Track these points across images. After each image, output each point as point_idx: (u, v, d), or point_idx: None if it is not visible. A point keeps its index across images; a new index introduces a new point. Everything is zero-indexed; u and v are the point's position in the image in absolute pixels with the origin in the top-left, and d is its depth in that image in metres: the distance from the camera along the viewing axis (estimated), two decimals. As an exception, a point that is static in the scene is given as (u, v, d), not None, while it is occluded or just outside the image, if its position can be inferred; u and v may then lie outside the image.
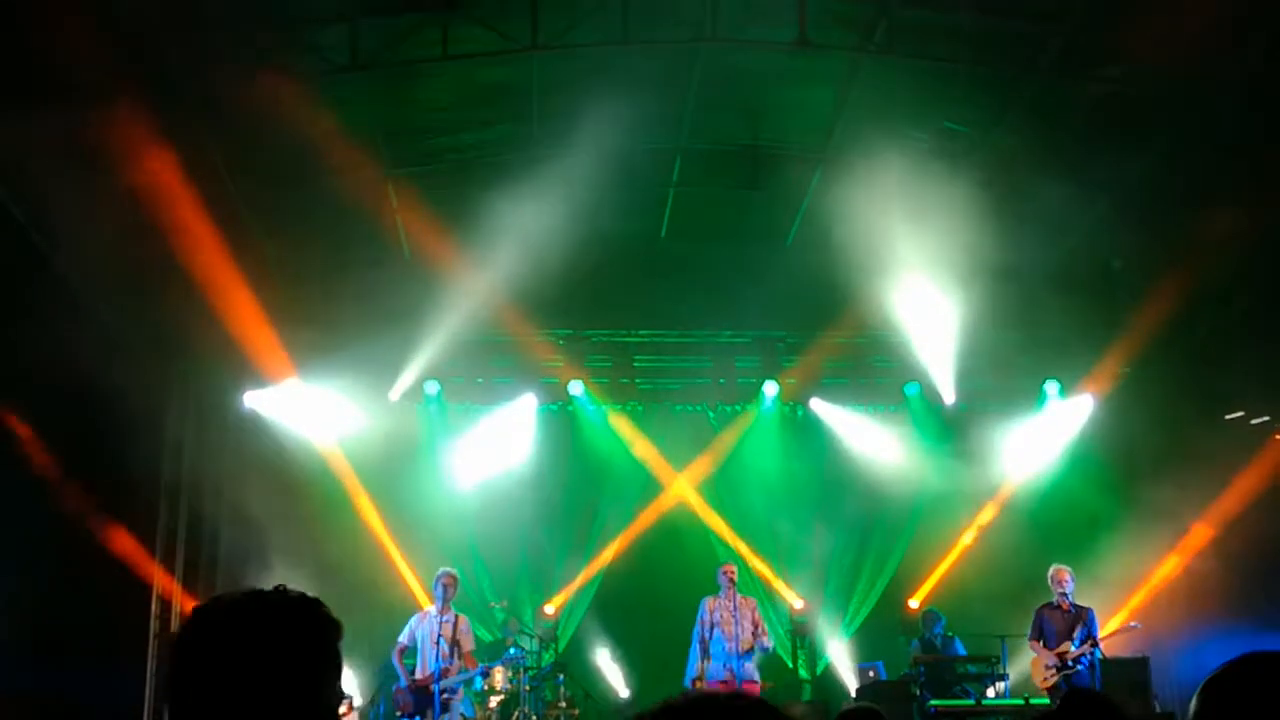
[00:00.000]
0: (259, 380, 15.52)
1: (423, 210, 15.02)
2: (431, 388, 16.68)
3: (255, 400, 15.86)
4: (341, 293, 15.33)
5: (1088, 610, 12.16)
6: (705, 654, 12.63)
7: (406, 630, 12.28)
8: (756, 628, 12.83)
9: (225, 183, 13.24)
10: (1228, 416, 15.41)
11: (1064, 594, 12.16)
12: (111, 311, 12.92)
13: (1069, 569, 12.33)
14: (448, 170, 15.24)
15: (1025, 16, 12.54)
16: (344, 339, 15.62)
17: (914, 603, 17.15)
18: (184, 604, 14.82)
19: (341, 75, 12.27)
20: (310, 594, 2.50)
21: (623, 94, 13.38)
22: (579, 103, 13.34)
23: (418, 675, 11.95)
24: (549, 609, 16.96)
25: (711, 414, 17.78)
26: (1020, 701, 12.92)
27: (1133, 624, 13.51)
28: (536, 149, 14.72)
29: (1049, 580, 12.28)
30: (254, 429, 15.85)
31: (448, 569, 12.35)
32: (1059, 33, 12.37)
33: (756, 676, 12.82)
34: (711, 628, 12.74)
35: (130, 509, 13.19)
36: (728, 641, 12.62)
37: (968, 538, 17.12)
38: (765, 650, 13.01)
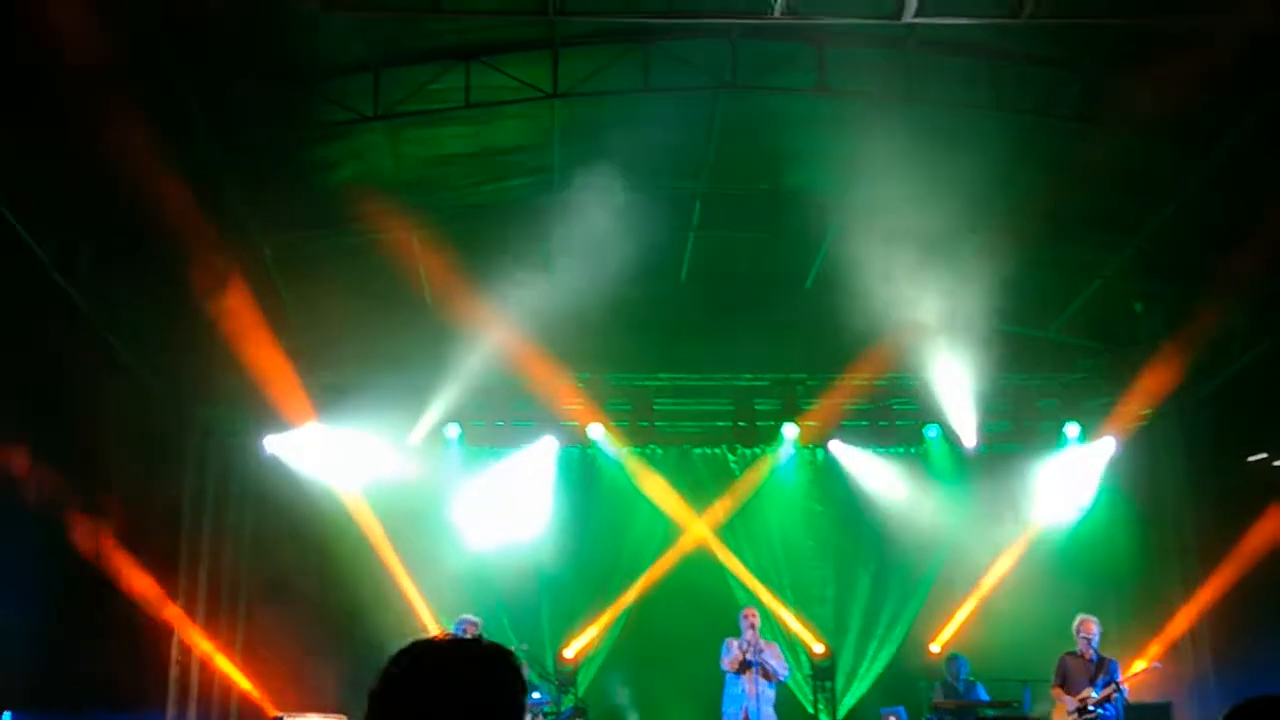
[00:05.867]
0: (280, 424, 15.60)
1: (444, 255, 15.11)
2: (452, 431, 16.72)
3: (276, 444, 15.93)
4: (363, 337, 15.42)
5: (1110, 661, 12.09)
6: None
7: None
8: (778, 662, 12.86)
9: (247, 229, 13.36)
10: (1250, 458, 15.33)
11: (1089, 644, 12.09)
12: (135, 356, 13.04)
13: (1095, 620, 12.25)
14: (469, 216, 15.34)
15: (1043, 62, 12.60)
16: (365, 383, 15.71)
17: (935, 647, 17.04)
18: (203, 649, 14.85)
19: (365, 124, 12.40)
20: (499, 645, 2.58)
21: (643, 139, 13.49)
22: (599, 149, 13.45)
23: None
24: (569, 652, 16.90)
25: (731, 457, 17.77)
26: (1043, 747, 12.83)
27: (1155, 664, 13.41)
28: (557, 194, 14.83)
29: (1074, 630, 12.21)
30: (275, 473, 15.91)
31: (470, 616, 12.33)
32: (1077, 78, 12.42)
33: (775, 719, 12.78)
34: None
35: (152, 553, 13.24)
36: (747, 684, 12.59)
37: (990, 581, 17.02)
38: (781, 678, 12.94)
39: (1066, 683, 12.11)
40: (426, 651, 2.50)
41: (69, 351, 11.32)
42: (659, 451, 17.48)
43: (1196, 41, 10.18)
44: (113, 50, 9.60)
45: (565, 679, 15.98)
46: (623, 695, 16.85)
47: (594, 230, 13.78)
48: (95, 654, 11.91)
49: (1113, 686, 11.82)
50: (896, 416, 17.50)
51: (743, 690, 12.64)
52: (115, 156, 10.28)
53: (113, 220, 11.42)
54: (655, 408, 17.35)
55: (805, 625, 17.25)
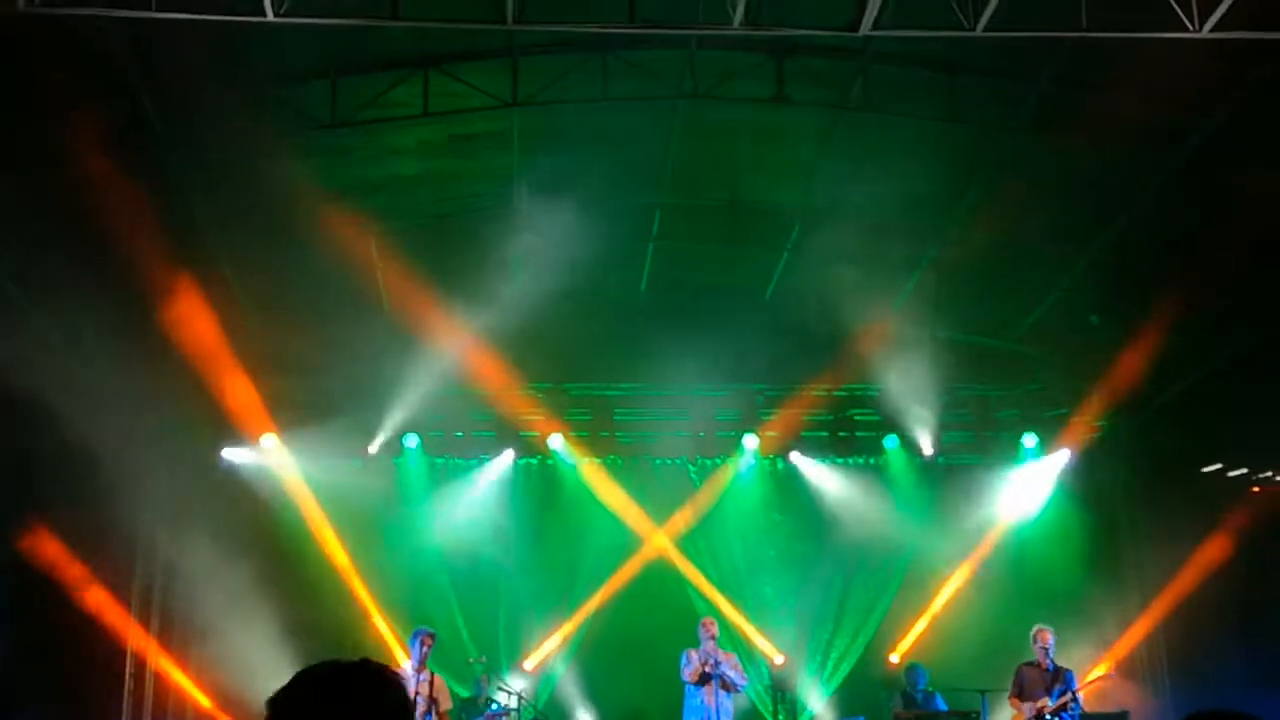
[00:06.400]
0: (237, 435, 15.46)
1: (403, 263, 15.04)
2: (411, 441, 16.62)
3: (233, 455, 15.79)
4: (320, 346, 15.31)
5: (1066, 671, 12.15)
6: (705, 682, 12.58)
7: (383, 688, 12.14)
8: (736, 672, 12.83)
9: (204, 237, 13.25)
10: (1205, 469, 15.47)
11: (1045, 653, 12.15)
12: (88, 366, 12.88)
13: (1051, 630, 12.31)
14: (428, 224, 15.28)
15: (999, 74, 12.69)
16: (323, 392, 15.59)
17: (895, 657, 17.09)
18: (158, 663, 14.68)
19: (322, 131, 12.33)
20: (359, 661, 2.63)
21: (602, 149, 13.48)
22: (559, 157, 13.43)
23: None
24: (528, 664, 16.83)
25: (691, 467, 17.75)
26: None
27: (1110, 674, 13.49)
28: (517, 203, 14.79)
29: (1031, 640, 12.26)
30: (232, 484, 15.76)
31: (427, 628, 12.22)
32: (1033, 90, 12.51)
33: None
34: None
35: (106, 568, 13.08)
36: (707, 696, 12.56)
37: (948, 592, 17.08)
38: (739, 688, 12.93)
39: (1023, 692, 12.17)
40: (311, 677, 2.56)
41: (22, 362, 11.16)
42: (619, 462, 17.45)
43: (1151, 53, 10.27)
44: (69, 58, 9.52)
45: (525, 690, 15.89)
46: (582, 705, 16.80)
47: (553, 240, 13.74)
48: (49, 671, 11.76)
49: (1069, 696, 11.88)
50: (856, 427, 17.57)
51: (703, 702, 12.61)
52: (69, 168, 10.18)
53: (68, 229, 11.28)
54: (615, 418, 17.34)
55: (765, 636, 17.26)
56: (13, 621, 11.20)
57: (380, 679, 2.58)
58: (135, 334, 13.05)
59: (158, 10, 8.86)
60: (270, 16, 8.99)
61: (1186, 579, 15.16)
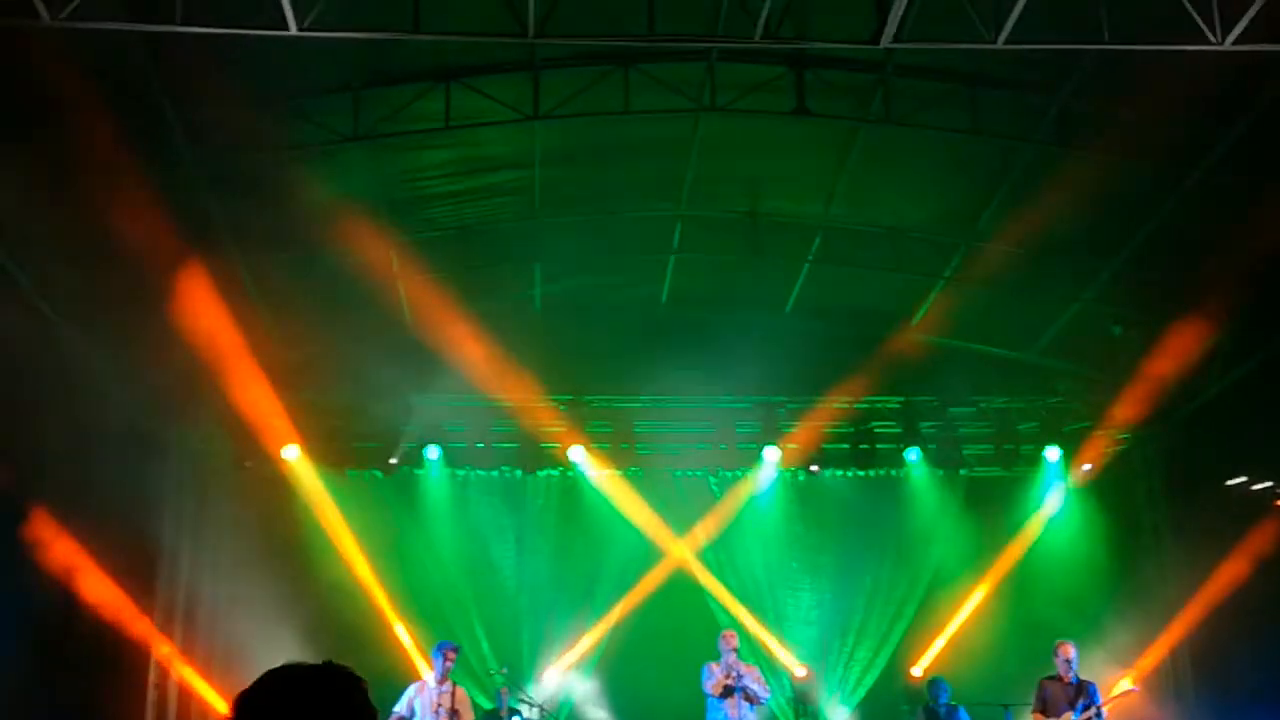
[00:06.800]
0: (259, 446, 15.52)
1: (424, 276, 15.10)
2: (432, 452, 16.66)
3: (255, 466, 15.84)
4: (342, 358, 15.38)
5: (1089, 684, 12.05)
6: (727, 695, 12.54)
7: (404, 700, 12.13)
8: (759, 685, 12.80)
9: (225, 250, 13.32)
10: (1229, 482, 15.37)
11: (1068, 667, 12.06)
12: (113, 379, 12.96)
13: (1074, 644, 12.20)
14: (450, 237, 15.33)
15: (1020, 86, 12.67)
16: (345, 404, 15.64)
17: (917, 670, 17.03)
18: (181, 672, 14.73)
19: (344, 145, 12.39)
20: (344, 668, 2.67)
21: (623, 161, 13.50)
22: (580, 170, 13.45)
23: (419, 746, 11.81)
24: (549, 675, 16.83)
25: (712, 479, 17.74)
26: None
27: (1132, 688, 13.39)
28: (537, 216, 14.83)
29: (1054, 653, 12.16)
30: (254, 495, 15.82)
31: (451, 642, 12.16)
32: (1054, 103, 12.48)
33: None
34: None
35: (129, 579, 13.13)
36: (730, 709, 12.52)
37: (971, 605, 17.02)
38: (763, 701, 12.88)
39: (1046, 707, 12.07)
40: (276, 676, 2.59)
41: (47, 377, 11.24)
42: (640, 474, 17.43)
43: (1173, 65, 10.24)
44: (92, 71, 9.59)
45: (546, 703, 15.89)
46: (602, 717, 16.78)
47: (575, 252, 13.79)
48: (72, 681, 11.81)
49: (1092, 710, 11.79)
50: (877, 440, 17.50)
51: (726, 714, 12.56)
52: (93, 178, 10.25)
53: (91, 242, 11.35)
54: (636, 430, 17.33)
55: (787, 648, 17.22)
56: (35, 632, 11.25)
57: (346, 682, 2.61)
58: (156, 345, 13.12)
59: (181, 24, 8.92)
60: (293, 30, 9.04)
61: (1210, 593, 15.04)
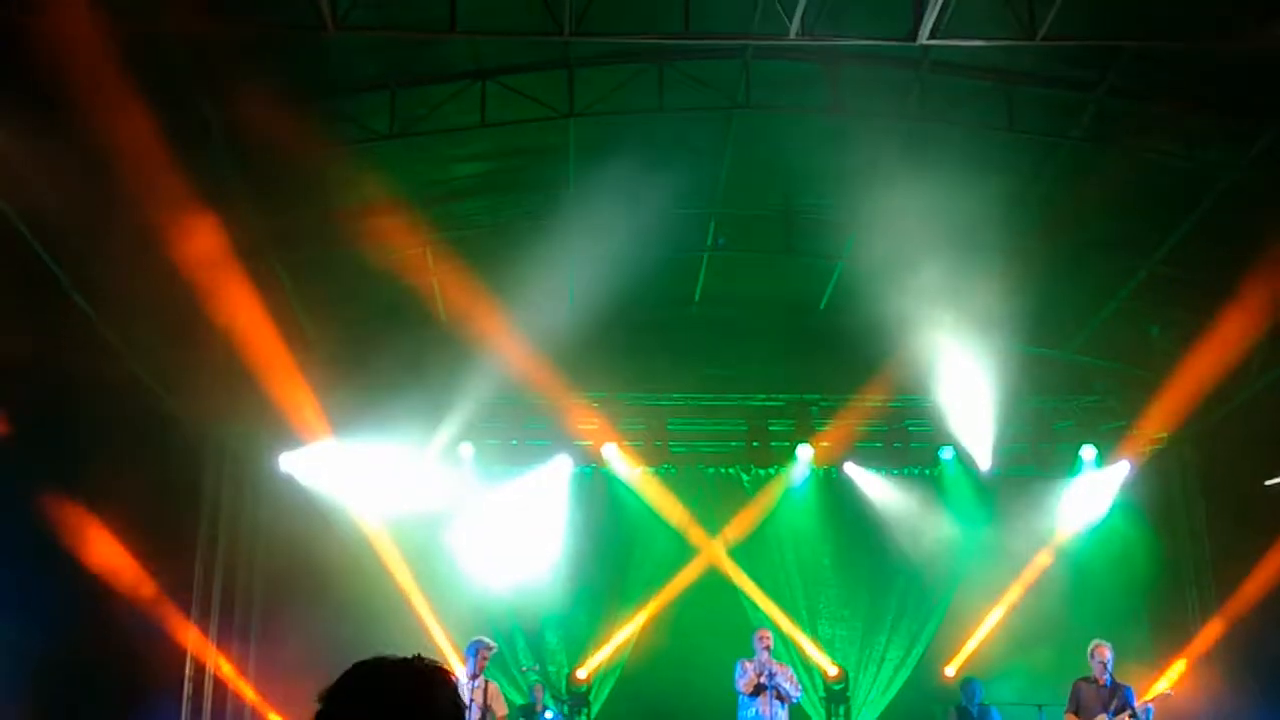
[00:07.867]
0: (295, 442, 15.61)
1: (459, 273, 15.14)
2: (466, 450, 16.71)
3: (291, 462, 15.93)
4: (378, 355, 15.45)
5: (1125, 687, 11.95)
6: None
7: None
8: (791, 684, 12.79)
9: (262, 247, 13.40)
10: (1268, 482, 15.22)
11: (1103, 668, 11.97)
12: (150, 375, 13.07)
13: (1109, 645, 12.11)
14: (485, 234, 15.37)
15: (1058, 83, 12.58)
16: (380, 401, 15.70)
17: (950, 670, 16.96)
18: (217, 666, 14.83)
19: (380, 142, 12.44)
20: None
21: (658, 159, 13.47)
22: (615, 168, 13.42)
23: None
24: (581, 673, 16.86)
25: (745, 477, 17.74)
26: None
27: (1168, 691, 13.28)
28: (572, 213, 14.84)
29: (1089, 655, 12.08)
30: (290, 491, 15.91)
31: (486, 640, 12.13)
32: (1092, 99, 12.39)
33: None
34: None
35: (165, 574, 13.22)
36: (762, 706, 12.53)
37: (1005, 605, 16.93)
38: (794, 699, 12.87)
39: (1080, 709, 11.99)
40: (366, 670, 2.60)
41: (83, 372, 11.34)
42: (673, 471, 17.46)
43: (1211, 62, 10.16)
44: (129, 70, 9.66)
45: (578, 699, 15.94)
46: (635, 715, 16.77)
47: (609, 249, 13.77)
48: (107, 675, 11.89)
49: (1127, 713, 11.71)
50: (911, 438, 17.44)
51: (757, 712, 12.58)
52: (131, 175, 10.32)
53: (128, 239, 11.44)
54: (669, 428, 17.33)
55: (819, 647, 17.20)
56: (71, 624, 11.34)
57: (433, 677, 2.61)
58: (196, 341, 13.22)
59: (220, 20, 8.98)
60: (331, 28, 9.09)
61: (1248, 594, 14.91)
